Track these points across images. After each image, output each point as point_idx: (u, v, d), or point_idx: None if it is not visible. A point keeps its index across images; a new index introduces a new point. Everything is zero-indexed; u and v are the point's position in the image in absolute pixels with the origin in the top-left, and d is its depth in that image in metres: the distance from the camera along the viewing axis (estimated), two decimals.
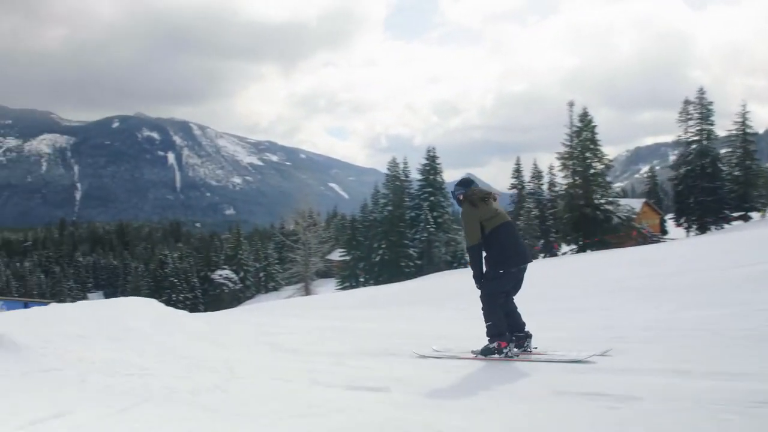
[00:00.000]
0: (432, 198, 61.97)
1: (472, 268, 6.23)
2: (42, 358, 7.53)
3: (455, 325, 11.15)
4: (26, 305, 17.04)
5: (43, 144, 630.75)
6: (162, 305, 12.59)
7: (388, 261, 60.53)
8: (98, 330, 9.40)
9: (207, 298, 75.43)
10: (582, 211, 49.51)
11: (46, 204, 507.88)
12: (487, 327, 6.29)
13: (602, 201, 49.80)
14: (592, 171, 50.70)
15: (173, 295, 72.26)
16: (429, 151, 64.35)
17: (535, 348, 6.35)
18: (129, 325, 9.95)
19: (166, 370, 7.11)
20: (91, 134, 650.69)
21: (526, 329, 6.40)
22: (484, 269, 6.22)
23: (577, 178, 50.98)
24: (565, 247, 56.75)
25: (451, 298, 17.96)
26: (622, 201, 56.17)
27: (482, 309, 6.29)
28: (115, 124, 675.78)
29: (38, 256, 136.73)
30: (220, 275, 74.34)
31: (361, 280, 65.62)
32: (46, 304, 15.23)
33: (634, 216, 54.88)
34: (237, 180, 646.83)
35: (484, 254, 6.21)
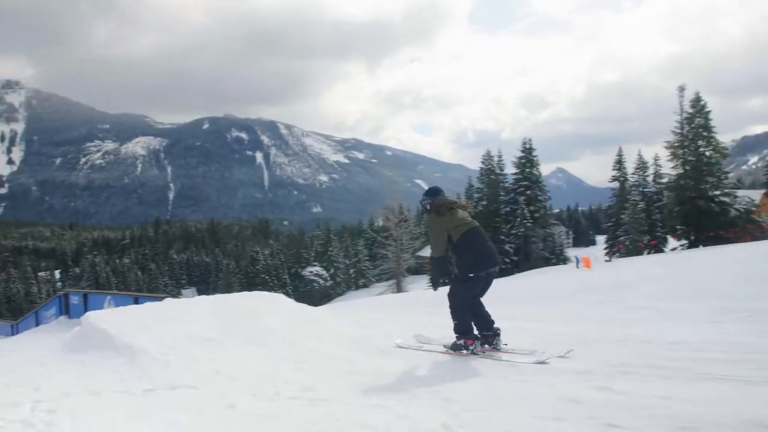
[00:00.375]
0: (528, 192, 59.80)
1: (432, 274, 6.90)
2: (165, 368, 6.32)
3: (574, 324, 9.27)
4: (137, 300, 16.54)
5: (138, 146, 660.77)
6: (290, 300, 11.06)
7: None
8: (228, 331, 8.03)
9: (297, 294, 75.72)
10: (694, 204, 46.22)
11: (142, 204, 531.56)
12: (454, 325, 6.62)
13: (717, 192, 46.35)
14: (705, 160, 47.30)
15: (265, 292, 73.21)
16: (525, 143, 62.09)
17: (505, 344, 6.73)
18: (264, 325, 8.42)
19: (342, 393, 5.27)
20: (182, 136, 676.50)
21: (494, 327, 6.75)
22: (455, 273, 6.52)
23: (687, 168, 47.67)
24: (673, 242, 53.37)
25: (569, 295, 15.90)
26: (740, 192, 52.04)
27: (450, 308, 6.61)
28: (206, 126, 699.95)
29: (135, 253, 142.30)
30: (311, 272, 74.67)
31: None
32: (159, 299, 13.89)
33: (753, 208, 50.79)
34: (323, 178, 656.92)
35: (452, 259, 6.53)
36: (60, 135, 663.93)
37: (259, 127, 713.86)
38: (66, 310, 19.42)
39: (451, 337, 6.87)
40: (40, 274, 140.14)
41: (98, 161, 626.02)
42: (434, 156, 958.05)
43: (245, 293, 12.20)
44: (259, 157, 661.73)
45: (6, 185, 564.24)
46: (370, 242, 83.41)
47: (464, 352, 6.51)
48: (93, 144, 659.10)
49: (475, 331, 6.63)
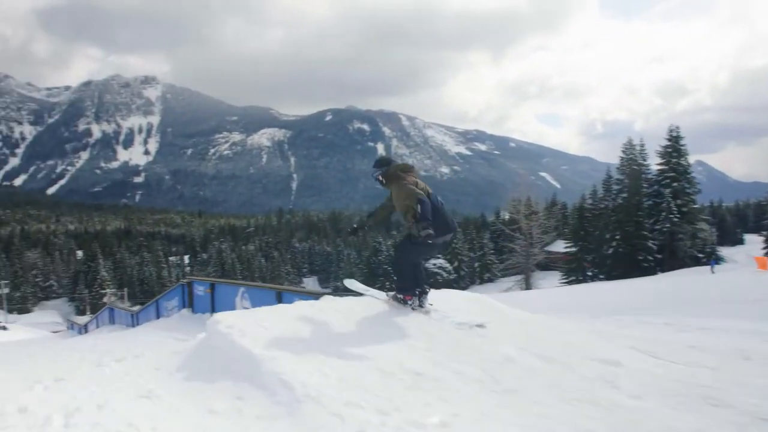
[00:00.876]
0: (675, 184, 55.07)
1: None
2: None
3: None
4: (281, 298, 12.11)
5: (263, 138, 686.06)
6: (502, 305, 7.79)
7: (622, 254, 54.78)
8: (448, 359, 5.11)
9: None
10: None
11: (266, 193, 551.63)
12: (398, 280, 6.93)
13: None
14: None
15: (386, 283, 72.17)
16: (671, 130, 57.21)
17: (431, 305, 6.93)
18: (499, 351, 5.37)
19: None
20: (306, 127, 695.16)
21: (424, 285, 6.91)
22: (415, 235, 6.43)
23: None
24: None
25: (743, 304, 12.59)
26: None
27: (396, 263, 7.03)
28: (328, 117, 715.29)
29: (259, 241, 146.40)
30: (434, 264, 72.91)
31: (589, 274, 60.42)
32: (315, 297, 9.11)
33: None
34: (444, 170, 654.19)
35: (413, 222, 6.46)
36: (191, 127, 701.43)
37: (380, 118, 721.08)
38: (189, 301, 16.41)
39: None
40: (170, 258, 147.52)
41: (226, 152, 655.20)
42: (560, 148, 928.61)
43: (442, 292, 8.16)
44: (380, 148, 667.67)
45: (142, 174, 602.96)
46: (496, 235, 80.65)
47: (402, 306, 6.84)
48: (221, 135, 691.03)
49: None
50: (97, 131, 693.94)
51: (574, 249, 63.58)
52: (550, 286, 54.58)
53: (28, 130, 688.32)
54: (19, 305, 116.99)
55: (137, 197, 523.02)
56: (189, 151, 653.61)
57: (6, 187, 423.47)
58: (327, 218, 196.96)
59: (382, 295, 7.30)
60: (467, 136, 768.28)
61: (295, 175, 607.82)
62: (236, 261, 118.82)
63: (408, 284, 6.76)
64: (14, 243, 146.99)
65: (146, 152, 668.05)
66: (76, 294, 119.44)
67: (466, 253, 76.96)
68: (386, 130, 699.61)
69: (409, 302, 6.75)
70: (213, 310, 13.57)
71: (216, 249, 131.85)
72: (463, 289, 75.17)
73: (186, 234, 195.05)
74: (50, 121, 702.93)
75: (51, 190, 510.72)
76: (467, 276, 77.07)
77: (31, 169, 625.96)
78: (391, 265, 7.36)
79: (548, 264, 67.55)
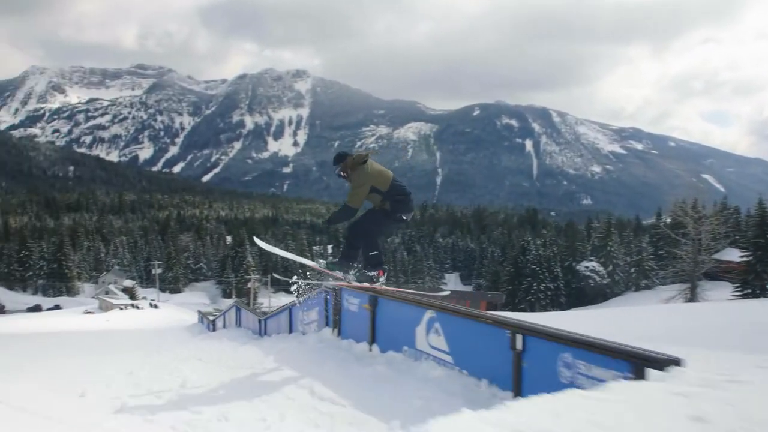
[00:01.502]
0: None
1: (336, 217, 7.30)
2: None
3: None
4: (514, 340, 5.43)
5: (409, 132, 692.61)
6: None
7: None
8: None
9: (569, 290, 71.22)
10: None
11: (411, 187, 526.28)
12: (370, 257, 7.37)
13: None
14: None
15: (534, 284, 69.62)
16: None
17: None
18: None
19: None
20: (453, 122, 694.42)
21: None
22: (386, 210, 7.31)
23: None
24: None
25: None
26: None
27: (362, 242, 7.32)
28: (476, 112, 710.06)
29: (402, 234, 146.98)
30: (586, 267, 69.38)
31: None
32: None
33: None
34: (596, 169, 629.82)
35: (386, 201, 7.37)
36: (339, 120, 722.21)
37: (530, 114, 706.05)
38: (335, 318, 9.43)
39: None
40: (314, 247, 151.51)
41: (372, 145, 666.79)
42: (727, 149, 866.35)
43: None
44: (528, 144, 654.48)
45: (291, 165, 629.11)
46: (656, 239, 75.36)
47: (369, 283, 7.34)
48: (368, 128, 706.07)
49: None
50: (249, 123, 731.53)
51: (751, 258, 57.84)
52: (720, 298, 49.83)
53: (187, 121, 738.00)
54: (171, 285, 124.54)
55: (285, 187, 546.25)
56: (336, 144, 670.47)
57: (166, 174, 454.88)
58: (471, 214, 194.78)
59: (341, 281, 7.76)
60: (622, 134, 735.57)
61: (440, 170, 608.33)
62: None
63: (379, 258, 7.42)
64: (170, 226, 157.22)
65: (295, 144, 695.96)
66: (224, 278, 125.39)
67: (621, 257, 72.52)
68: (535, 126, 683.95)
69: (381, 278, 7.42)
70: (373, 341, 7.87)
71: None
72: (617, 295, 71.08)
73: None
74: (207, 112, 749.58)
75: (205, 178, 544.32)
76: (622, 282, 72.61)
77: (189, 157, 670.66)
78: (355, 241, 7.33)
79: (717, 274, 62.05)
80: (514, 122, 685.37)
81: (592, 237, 75.39)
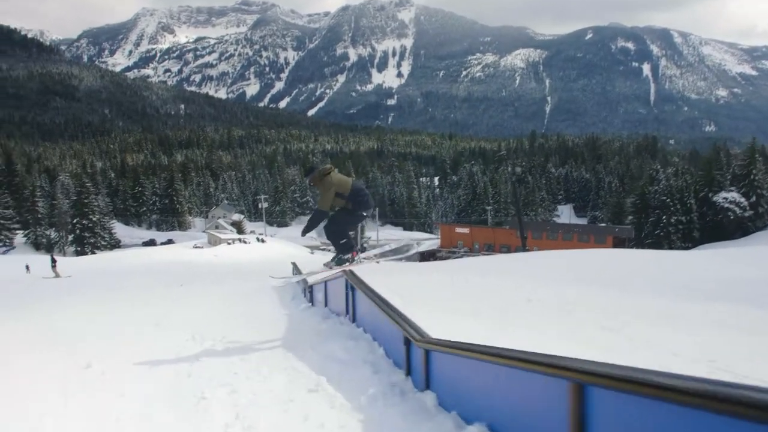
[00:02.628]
0: None
1: (310, 224, 8.34)
2: None
3: None
4: None
5: (517, 59, 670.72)
6: None
7: None
8: None
9: (703, 223, 64.00)
10: None
11: (518, 117, 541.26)
12: (342, 245, 8.67)
13: None
14: None
15: (663, 217, 62.89)
16: None
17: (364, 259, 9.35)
18: None
19: None
20: (563, 47, 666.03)
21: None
22: (348, 209, 8.37)
23: None
24: None
25: None
26: None
27: (335, 233, 8.55)
28: (589, 36, 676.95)
29: (512, 165, 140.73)
30: (725, 198, 61.77)
31: None
32: None
33: None
34: (722, 92, 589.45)
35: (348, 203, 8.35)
36: (444, 49, 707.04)
37: (648, 35, 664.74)
38: (407, 365, 5.11)
39: None
40: (420, 179, 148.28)
41: (478, 74, 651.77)
42: None
43: None
44: (646, 68, 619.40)
45: (395, 96, 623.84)
46: None
47: (347, 264, 8.70)
48: (474, 57, 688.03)
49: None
50: (353, 55, 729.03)
51: None
52: None
53: (292, 56, 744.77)
54: (278, 219, 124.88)
55: (390, 119, 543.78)
56: (441, 74, 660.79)
57: (272, 109, 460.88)
58: (584, 143, 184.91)
59: (322, 268, 9.34)
60: (753, 54, 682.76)
61: (549, 98, 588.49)
62: (488, 185, 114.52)
63: (349, 244, 8.77)
64: (277, 161, 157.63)
65: (399, 75, 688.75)
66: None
67: (767, 187, 64.20)
68: (654, 49, 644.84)
69: (355, 258, 8.86)
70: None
71: (467, 171, 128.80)
72: (760, 229, 63.29)
73: (436, 156, 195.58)
74: (311, 46, 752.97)
75: (311, 112, 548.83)
76: (766, 214, 64.52)
77: (294, 92, 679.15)
78: (329, 236, 8.64)
79: None
80: (630, 45, 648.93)
81: (732, 165, 67.11)
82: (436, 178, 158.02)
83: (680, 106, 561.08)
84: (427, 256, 57.40)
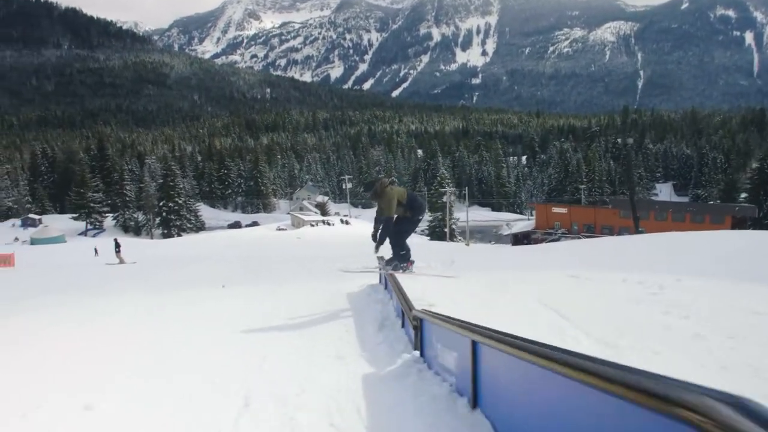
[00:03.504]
0: None
1: (382, 235, 8.83)
2: None
3: None
4: None
5: (607, 32, 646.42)
6: None
7: None
8: None
9: None
10: None
11: (608, 92, 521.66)
12: (402, 255, 9.12)
13: None
14: None
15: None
16: None
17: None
18: None
19: None
20: (657, 18, 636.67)
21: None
22: (407, 216, 8.98)
23: None
24: None
25: None
26: None
27: (393, 242, 9.02)
28: (684, 5, 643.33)
29: (605, 141, 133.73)
30: None
31: None
32: None
33: None
34: None
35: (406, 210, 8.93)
36: (529, 25, 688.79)
37: (752, 1, 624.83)
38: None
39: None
40: (508, 158, 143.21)
41: (565, 50, 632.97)
42: None
43: None
44: (749, 37, 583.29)
45: (480, 75, 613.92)
46: None
47: (400, 271, 9.01)
48: (561, 32, 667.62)
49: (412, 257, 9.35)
50: (437, 35, 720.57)
51: None
52: None
53: (375, 37, 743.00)
54: (364, 200, 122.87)
55: (474, 98, 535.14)
56: (527, 51, 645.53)
57: (356, 91, 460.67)
58: (680, 118, 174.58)
59: (377, 268, 9.67)
60: None
61: (641, 72, 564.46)
62: (581, 162, 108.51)
63: (408, 255, 9.24)
64: (361, 141, 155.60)
65: (483, 53, 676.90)
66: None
67: None
68: (758, 15, 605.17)
69: (410, 268, 9.29)
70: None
71: (557, 149, 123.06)
72: None
73: (523, 134, 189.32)
74: (394, 27, 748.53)
75: (395, 93, 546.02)
76: None
77: (378, 73, 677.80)
78: (393, 245, 9.14)
79: None
80: (731, 12, 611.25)
81: None
82: (524, 157, 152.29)
83: None
84: (521, 239, 53.00)
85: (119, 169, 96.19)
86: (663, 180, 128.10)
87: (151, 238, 78.43)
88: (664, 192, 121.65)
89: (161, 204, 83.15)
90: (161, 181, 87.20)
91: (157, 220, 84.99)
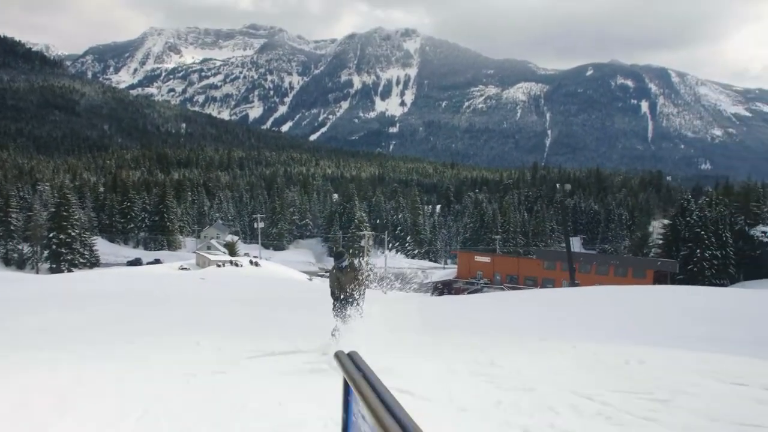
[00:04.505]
0: None
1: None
2: None
3: None
4: None
5: (519, 92, 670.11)
6: None
7: None
8: None
9: (740, 258, 58.02)
10: None
11: (518, 149, 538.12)
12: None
13: None
14: None
15: (696, 251, 56.77)
16: None
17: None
18: None
19: None
20: (564, 82, 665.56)
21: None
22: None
23: None
24: None
25: None
26: None
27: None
28: (589, 72, 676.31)
29: (518, 194, 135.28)
30: (764, 232, 55.93)
31: None
32: None
33: None
34: (717, 132, 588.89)
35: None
36: (447, 80, 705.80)
37: (647, 74, 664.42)
38: None
39: None
40: (424, 207, 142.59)
41: (480, 105, 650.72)
42: None
43: None
44: (644, 106, 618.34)
45: (397, 124, 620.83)
46: None
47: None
48: (477, 89, 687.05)
49: None
50: (357, 82, 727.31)
51: None
52: None
53: (296, 81, 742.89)
54: (275, 242, 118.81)
55: (391, 146, 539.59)
56: (444, 104, 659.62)
57: (274, 132, 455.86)
58: (585, 176, 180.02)
59: None
60: (747, 96, 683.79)
61: (549, 132, 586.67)
62: (497, 212, 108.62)
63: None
64: (276, 182, 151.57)
65: (402, 103, 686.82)
66: (330, 234, 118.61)
67: None
68: (652, 87, 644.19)
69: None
70: None
71: (472, 200, 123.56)
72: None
73: (438, 184, 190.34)
74: (316, 72, 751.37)
75: (313, 137, 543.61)
76: None
77: (297, 116, 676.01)
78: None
79: None
80: (629, 82, 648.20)
81: None
82: (438, 206, 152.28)
83: (677, 144, 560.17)
84: (442, 288, 50.63)
85: (5, 194, 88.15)
86: (573, 234, 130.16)
87: (37, 272, 71.79)
88: (574, 245, 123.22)
89: (51, 235, 76.12)
90: (53, 210, 79.94)
91: (45, 252, 77.84)
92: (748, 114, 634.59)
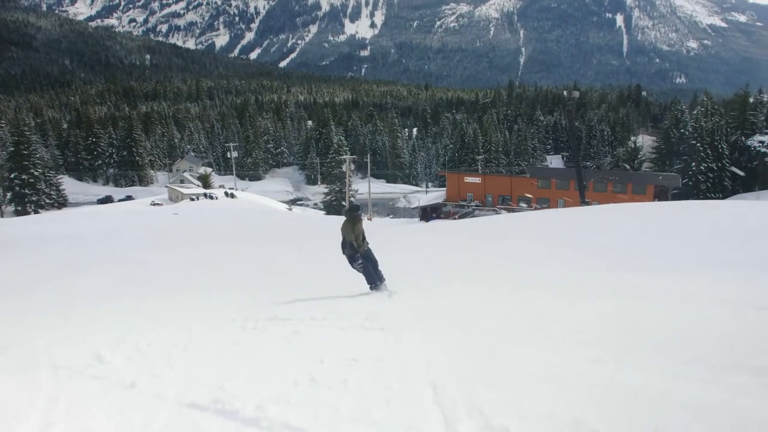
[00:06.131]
0: None
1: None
2: None
3: None
4: None
5: (492, 9, 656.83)
6: None
7: None
8: None
9: (739, 167, 55.84)
10: None
11: (492, 68, 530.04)
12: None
13: None
14: None
15: (692, 164, 54.54)
16: None
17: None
18: None
19: None
20: None
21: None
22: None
23: None
24: None
25: None
26: None
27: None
28: None
29: (497, 113, 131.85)
30: (761, 142, 53.55)
31: None
32: None
33: None
34: (692, 44, 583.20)
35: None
36: None
37: None
38: None
39: None
40: (402, 130, 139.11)
41: (452, 24, 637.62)
42: None
43: None
44: (619, 19, 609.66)
45: (368, 48, 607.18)
46: None
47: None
48: (448, 7, 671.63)
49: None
50: (325, 4, 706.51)
51: None
52: None
53: (262, 5, 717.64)
54: (251, 171, 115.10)
55: (363, 70, 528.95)
56: (415, 24, 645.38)
57: (242, 60, 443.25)
58: (561, 93, 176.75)
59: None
60: (723, 5, 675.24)
61: (523, 49, 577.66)
62: (478, 132, 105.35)
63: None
64: (248, 111, 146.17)
65: (372, 25, 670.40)
66: (307, 161, 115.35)
67: None
68: (628, 0, 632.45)
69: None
70: None
71: (450, 121, 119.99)
72: None
73: (413, 106, 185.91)
74: None
75: (282, 64, 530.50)
76: None
77: (265, 43, 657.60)
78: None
79: None
80: None
81: (766, 107, 58.48)
82: (415, 129, 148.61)
83: (652, 58, 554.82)
84: (430, 212, 47.63)
85: None
86: (554, 152, 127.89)
87: (2, 215, 67.84)
88: (555, 163, 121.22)
89: (12, 176, 71.87)
90: (12, 149, 75.17)
91: (8, 195, 73.66)
92: (723, 24, 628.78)
